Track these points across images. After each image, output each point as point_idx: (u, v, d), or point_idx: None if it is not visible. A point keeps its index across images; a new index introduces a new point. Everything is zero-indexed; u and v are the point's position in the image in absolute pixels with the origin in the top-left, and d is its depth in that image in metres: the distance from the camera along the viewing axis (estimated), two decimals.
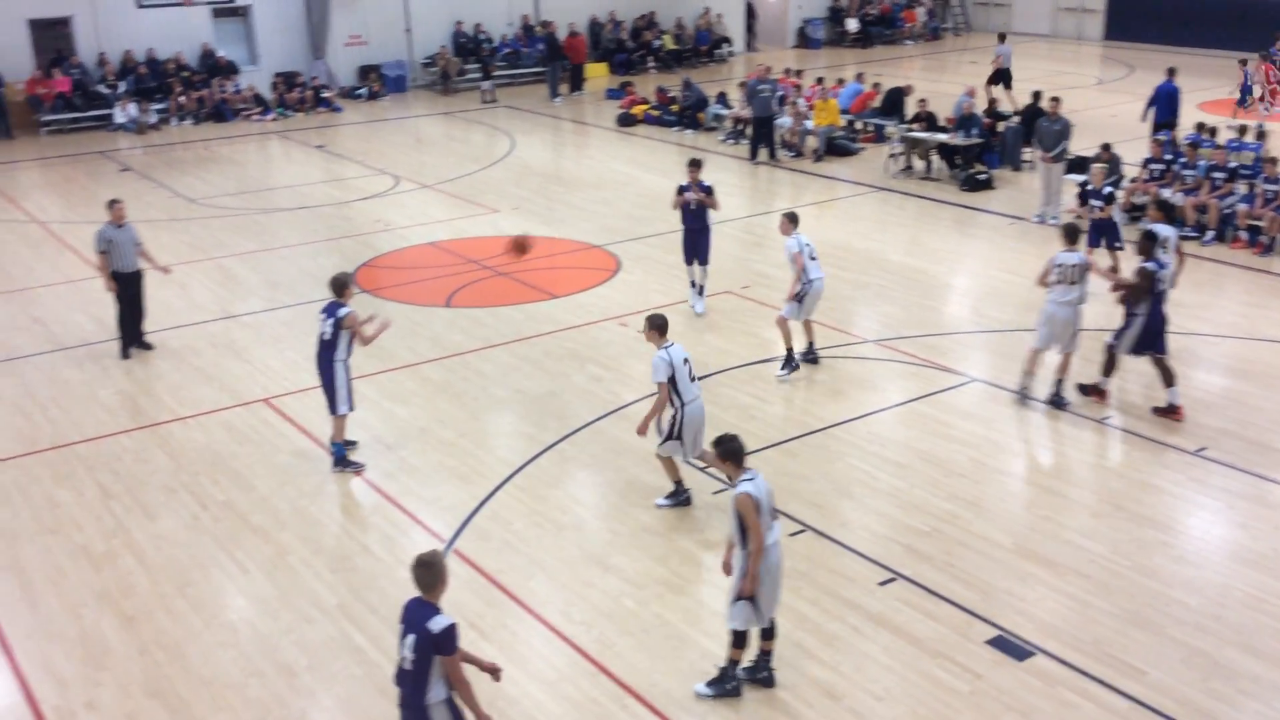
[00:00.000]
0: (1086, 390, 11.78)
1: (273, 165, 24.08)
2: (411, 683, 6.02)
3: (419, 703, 6.03)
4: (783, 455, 10.86)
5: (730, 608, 7.45)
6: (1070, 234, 11.51)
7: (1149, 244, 11.45)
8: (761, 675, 7.70)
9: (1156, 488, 10.19)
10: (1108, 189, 14.81)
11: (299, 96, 29.05)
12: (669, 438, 9.69)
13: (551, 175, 22.57)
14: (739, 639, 7.53)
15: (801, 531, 9.54)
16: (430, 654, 5.96)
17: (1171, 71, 20.80)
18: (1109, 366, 11.66)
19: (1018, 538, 9.42)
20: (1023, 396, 11.75)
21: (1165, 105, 20.14)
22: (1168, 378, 11.43)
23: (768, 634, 7.69)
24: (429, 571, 6.09)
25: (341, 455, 10.74)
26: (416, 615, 6.05)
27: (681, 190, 14.34)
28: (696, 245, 14.43)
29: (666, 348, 9.58)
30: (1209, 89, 28.92)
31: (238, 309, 15.07)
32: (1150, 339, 11.39)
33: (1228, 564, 9.02)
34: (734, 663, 7.60)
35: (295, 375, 12.87)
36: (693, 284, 14.67)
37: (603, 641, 8.20)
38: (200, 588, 8.97)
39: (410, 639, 5.99)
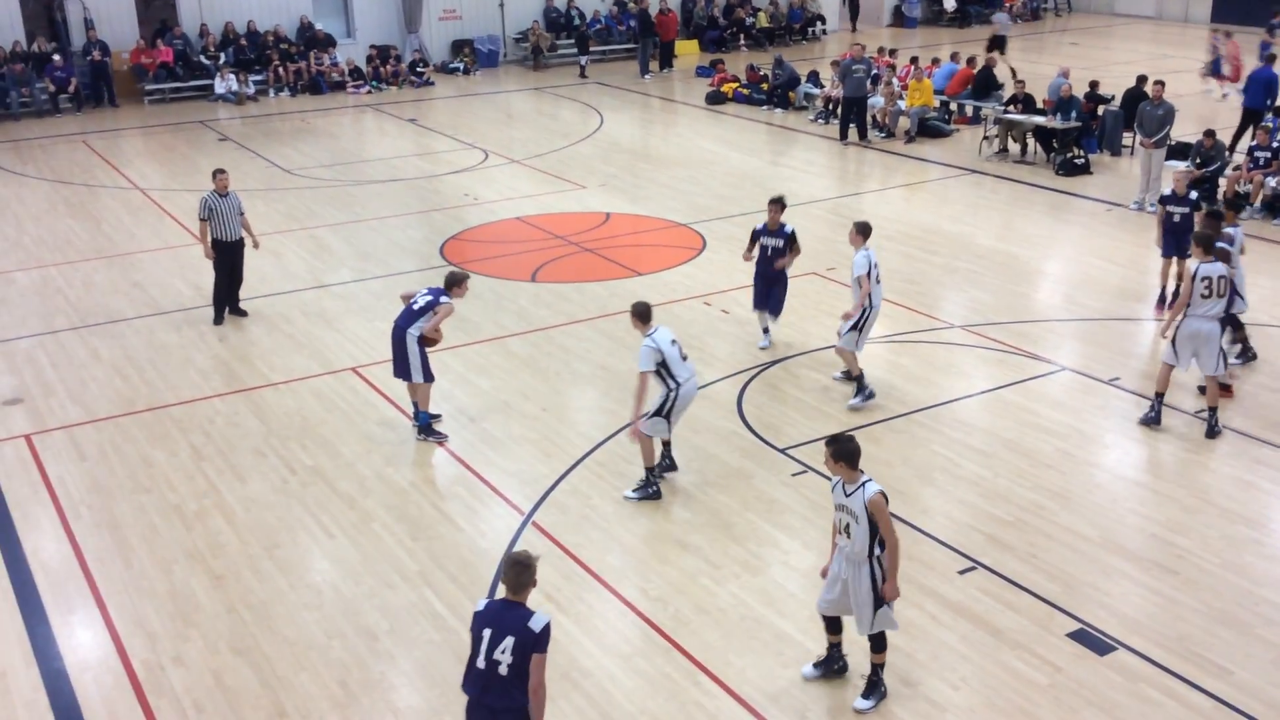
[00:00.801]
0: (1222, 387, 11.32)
1: (366, 138, 24.45)
2: (511, 686, 5.80)
3: (521, 703, 5.83)
4: (865, 440, 10.63)
5: (875, 616, 7.15)
6: (1205, 243, 10.70)
7: (1217, 223, 11.34)
8: (837, 666, 7.62)
9: (1249, 484, 9.89)
10: (1194, 194, 14.00)
11: (393, 70, 29.43)
12: (656, 414, 9.63)
13: (640, 152, 22.57)
14: (883, 641, 7.33)
15: None
16: (530, 654, 5.78)
17: (1271, 59, 19.97)
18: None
19: (1104, 531, 9.22)
20: (1153, 420, 10.90)
21: (1260, 93, 19.27)
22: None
23: (835, 628, 7.58)
24: (525, 571, 5.88)
25: (427, 424, 10.92)
26: (510, 617, 5.82)
27: (756, 236, 12.50)
28: (769, 295, 12.59)
29: (651, 334, 9.49)
30: None
31: (329, 279, 15.37)
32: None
33: None
34: (881, 666, 7.40)
35: (383, 346, 13.01)
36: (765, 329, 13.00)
37: (678, 618, 8.24)
38: (287, 550, 9.21)
39: (510, 641, 5.75)
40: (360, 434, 11.06)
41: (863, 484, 7.03)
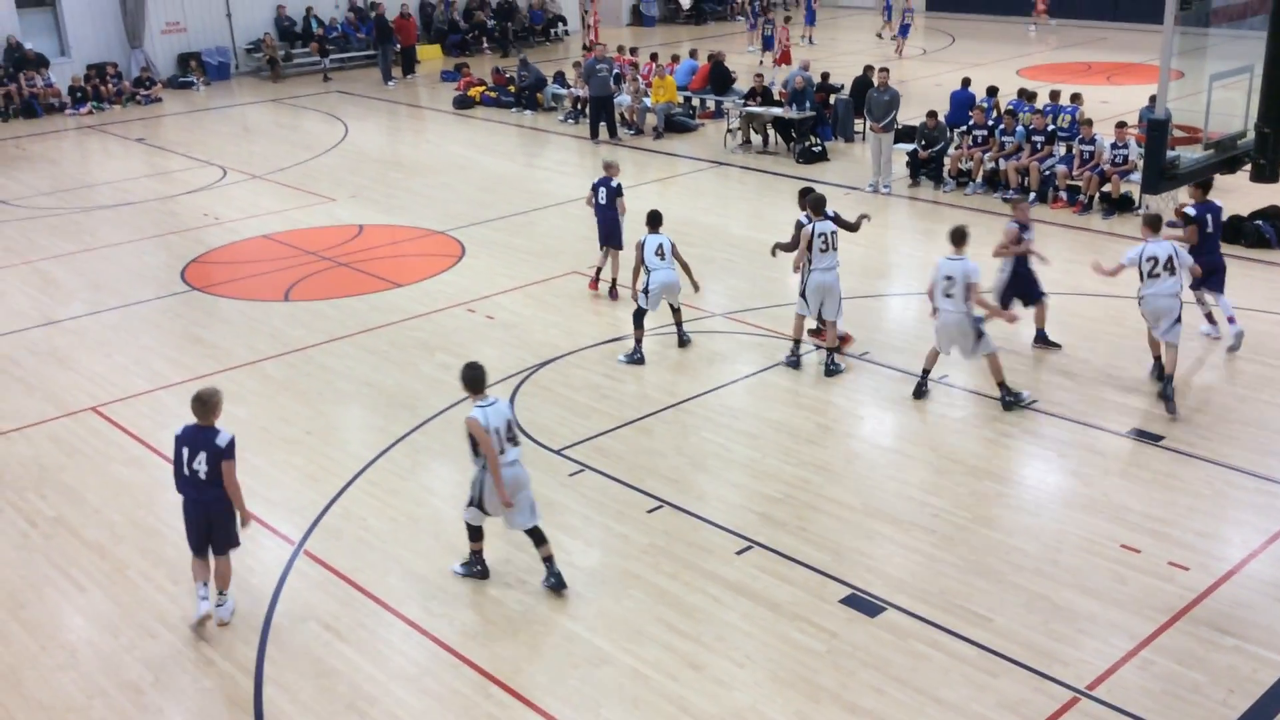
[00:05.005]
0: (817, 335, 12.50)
1: (90, 161, 22.91)
2: (210, 484, 7.92)
3: (220, 494, 7.95)
4: (637, 433, 10.89)
5: (465, 507, 8.50)
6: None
7: (816, 205, 12.14)
8: (550, 581, 8.48)
9: (991, 441, 10.60)
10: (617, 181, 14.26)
11: (115, 89, 27.72)
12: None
13: (389, 161, 22.10)
14: (474, 533, 8.59)
15: (659, 508, 9.59)
16: (220, 462, 7.85)
17: (966, 81, 21.31)
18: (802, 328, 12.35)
19: (865, 498, 9.67)
20: (794, 363, 12.10)
21: (958, 110, 20.55)
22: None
23: (540, 540, 8.47)
24: (204, 405, 7.92)
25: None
26: (200, 437, 7.91)
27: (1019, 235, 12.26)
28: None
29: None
30: (1027, 55, 30.18)
31: (59, 314, 14.31)
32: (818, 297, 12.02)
33: (1062, 510, 9.45)
34: (477, 553, 8.67)
35: (124, 380, 12.30)
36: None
37: (465, 632, 8.10)
38: (34, 609, 8.50)
39: (202, 455, 7.86)
40: (106, 477, 10.33)
41: (474, 407, 8.22)
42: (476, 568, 8.71)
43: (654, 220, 12.62)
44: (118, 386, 12.12)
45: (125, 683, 7.68)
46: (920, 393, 11.44)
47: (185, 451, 7.90)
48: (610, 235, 14.03)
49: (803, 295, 11.92)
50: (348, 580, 8.73)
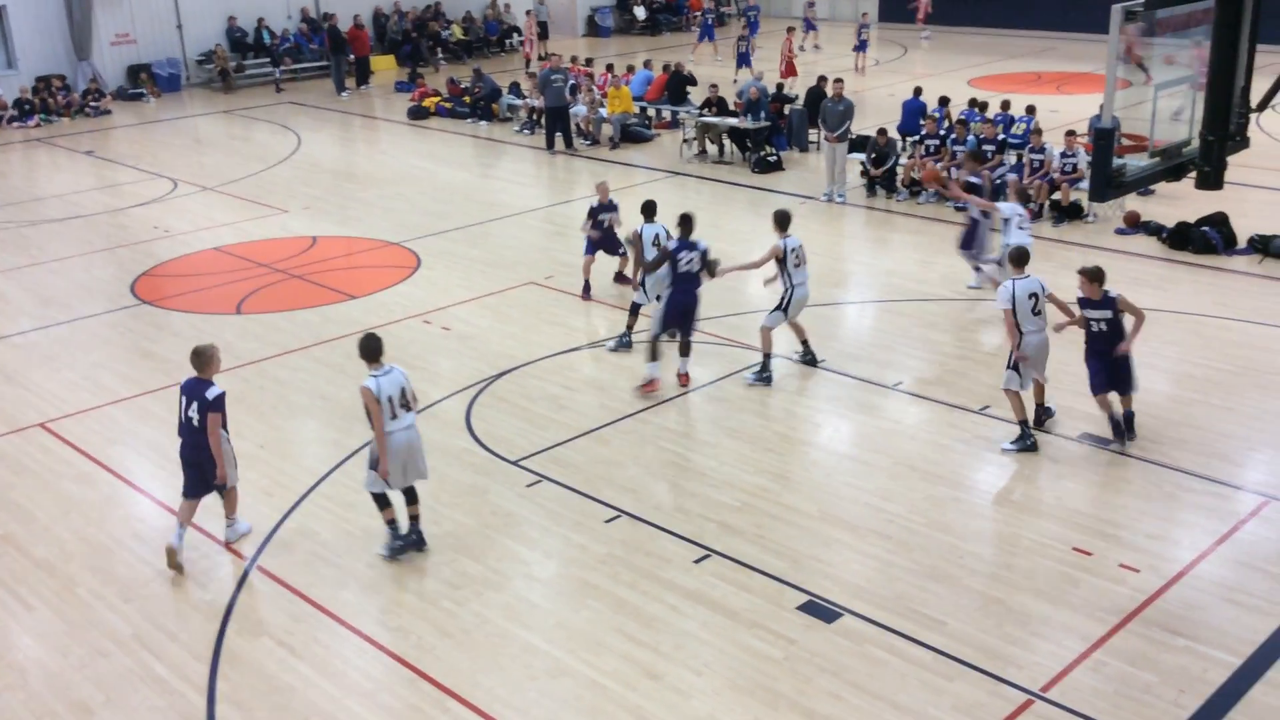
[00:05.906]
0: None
1: (38, 174, 22.58)
2: (201, 432, 8.62)
3: (205, 442, 8.64)
4: (595, 443, 10.88)
5: (366, 475, 8.88)
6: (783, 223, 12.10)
7: (685, 228, 12.05)
8: (412, 539, 9.02)
9: (946, 447, 10.69)
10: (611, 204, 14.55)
11: (64, 101, 27.36)
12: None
13: (343, 172, 21.97)
14: (380, 501, 8.90)
15: (617, 517, 9.58)
16: (207, 413, 8.56)
17: (918, 90, 21.54)
18: (652, 352, 11.86)
19: (822, 505, 9.72)
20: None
21: (910, 119, 20.78)
22: (684, 350, 11.98)
23: (411, 499, 8.98)
24: (200, 357, 8.72)
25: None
26: (197, 388, 8.67)
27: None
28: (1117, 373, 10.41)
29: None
30: (979, 65, 30.55)
31: (6, 329, 14.07)
32: (676, 318, 11.78)
33: (1015, 514, 9.55)
34: (391, 522, 8.96)
35: (74, 396, 12.11)
36: None
37: (421, 646, 8.04)
38: None
39: (195, 404, 8.60)
40: (55, 494, 10.17)
41: (368, 376, 8.66)
42: (397, 542, 8.92)
43: (649, 210, 13.05)
44: (66, 402, 11.93)
45: (75, 702, 7.55)
46: (1036, 447, 10.41)
47: (184, 400, 8.69)
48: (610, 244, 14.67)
49: (782, 310, 11.97)
50: (302, 595, 8.64)
